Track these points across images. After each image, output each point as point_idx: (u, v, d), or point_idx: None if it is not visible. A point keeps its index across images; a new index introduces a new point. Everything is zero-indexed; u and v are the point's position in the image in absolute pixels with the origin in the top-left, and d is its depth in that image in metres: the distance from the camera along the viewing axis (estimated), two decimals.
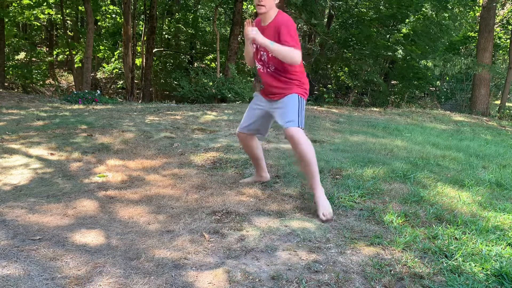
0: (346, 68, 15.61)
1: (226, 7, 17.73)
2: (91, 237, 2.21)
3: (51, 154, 3.93)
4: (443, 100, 16.29)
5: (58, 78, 21.02)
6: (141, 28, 18.64)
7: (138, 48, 17.98)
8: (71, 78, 19.80)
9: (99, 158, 3.82)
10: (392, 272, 1.91)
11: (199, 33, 19.61)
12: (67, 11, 18.27)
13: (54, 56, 20.28)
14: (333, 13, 15.84)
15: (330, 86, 15.97)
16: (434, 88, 17.87)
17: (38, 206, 2.65)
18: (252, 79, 13.54)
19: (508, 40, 15.98)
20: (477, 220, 2.51)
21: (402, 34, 14.16)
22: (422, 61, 14.76)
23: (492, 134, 6.99)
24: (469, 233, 2.32)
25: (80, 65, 17.44)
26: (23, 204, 2.68)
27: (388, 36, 14.30)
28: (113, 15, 18.99)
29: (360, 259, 2.03)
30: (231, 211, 2.60)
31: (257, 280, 1.83)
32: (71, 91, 14.27)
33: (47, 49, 22.17)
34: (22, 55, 21.35)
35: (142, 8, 18.44)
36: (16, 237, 2.17)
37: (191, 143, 4.50)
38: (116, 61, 18.74)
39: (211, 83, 11.65)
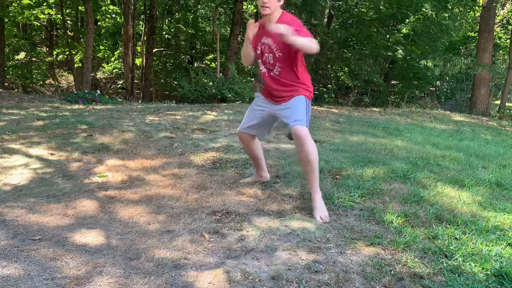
0: (346, 68, 15.61)
1: (226, 7, 17.73)
2: (91, 237, 2.21)
3: (51, 154, 3.93)
4: (443, 100, 16.28)
5: (58, 78, 21.02)
6: (141, 28, 18.64)
7: (138, 48, 17.98)
8: (71, 78, 19.80)
9: (99, 158, 3.82)
10: (392, 272, 1.91)
11: (199, 33, 19.61)
12: (67, 11, 18.27)
13: (54, 56, 20.28)
14: (333, 13, 15.83)
15: (330, 86, 15.97)
16: (434, 88, 17.87)
17: (38, 206, 2.65)
18: (252, 79, 13.54)
19: (508, 40, 15.98)
20: (477, 220, 2.51)
21: (402, 34, 14.16)
22: (422, 61, 14.75)
23: (492, 134, 6.99)
24: (469, 233, 2.32)
25: (80, 65, 17.44)
26: (23, 204, 2.68)
27: (388, 36, 14.29)
28: (113, 15, 18.99)
29: (360, 259, 2.03)
30: (231, 211, 2.60)
31: (257, 280, 1.83)
32: (71, 91, 14.27)
33: (47, 49, 22.17)
34: (22, 55, 21.35)
35: (142, 8, 18.44)
36: (16, 237, 2.17)
37: (191, 143, 4.50)
38: (116, 61, 18.74)
39: (211, 83, 11.65)
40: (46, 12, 18.13)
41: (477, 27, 15.10)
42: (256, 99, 2.95)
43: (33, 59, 20.72)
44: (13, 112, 6.48)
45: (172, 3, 19.16)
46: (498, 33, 17.19)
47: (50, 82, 19.96)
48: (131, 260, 1.98)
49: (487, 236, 2.29)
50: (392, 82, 16.94)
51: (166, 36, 20.34)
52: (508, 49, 14.29)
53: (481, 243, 2.19)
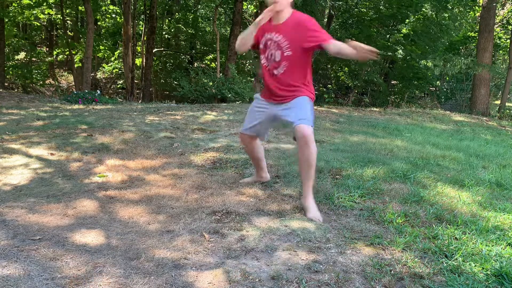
0: (346, 68, 15.60)
1: (226, 7, 17.73)
2: (91, 237, 2.21)
3: (51, 154, 3.93)
4: (443, 100, 16.29)
5: (58, 78, 21.03)
6: (141, 28, 18.64)
7: (138, 48, 17.98)
8: (71, 78, 19.80)
9: (99, 158, 3.82)
10: (392, 272, 1.91)
11: (199, 33, 19.61)
12: (67, 11, 18.27)
13: (54, 56, 20.28)
14: (333, 13, 15.82)
15: (330, 86, 15.97)
16: (434, 88, 17.86)
17: (38, 206, 2.65)
18: (252, 79, 13.54)
19: (508, 40, 15.98)
20: (477, 220, 2.51)
21: (402, 34, 14.16)
22: (422, 61, 14.75)
23: (492, 134, 6.99)
24: (469, 233, 2.32)
25: (80, 65, 17.44)
26: (23, 204, 2.68)
27: (388, 36, 14.29)
28: (113, 15, 18.99)
29: (360, 259, 2.03)
30: (231, 211, 2.60)
31: (257, 280, 1.83)
32: (71, 91, 14.27)
33: (47, 49, 22.18)
34: (22, 55, 21.35)
35: (142, 8, 18.44)
36: (16, 237, 2.17)
37: (191, 143, 4.50)
38: (116, 61, 18.74)
39: (211, 83, 11.65)
40: (46, 12, 18.14)
41: (477, 27, 15.10)
42: (256, 101, 2.90)
43: (33, 59, 20.72)
44: (13, 112, 6.48)
45: (172, 3, 19.16)
46: (498, 33, 17.19)
47: (50, 82, 19.96)
48: (131, 260, 1.98)
49: (487, 236, 2.29)
50: (392, 82, 16.93)
51: (166, 36, 20.35)
52: (508, 49, 14.29)
53: (481, 243, 2.19)
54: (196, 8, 19.59)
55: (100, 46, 18.59)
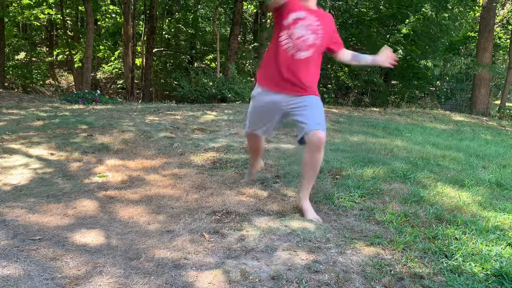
0: (346, 68, 15.59)
1: (226, 7, 17.74)
2: (91, 237, 2.21)
3: (51, 154, 3.93)
4: (443, 100, 16.28)
5: (58, 78, 21.03)
6: (141, 28, 18.65)
7: (138, 48, 17.99)
8: (71, 78, 19.80)
9: (99, 158, 3.82)
10: (392, 272, 1.91)
11: (199, 33, 19.62)
12: (67, 11, 18.27)
13: (54, 56, 20.29)
14: (333, 13, 15.83)
15: (330, 86, 15.97)
16: (434, 88, 17.86)
17: (38, 206, 2.65)
18: (252, 79, 13.53)
19: (508, 40, 15.98)
20: (477, 220, 2.51)
21: (402, 34, 14.16)
22: (422, 61, 14.74)
23: (492, 134, 6.99)
24: (469, 233, 2.32)
25: (80, 65, 17.45)
26: (23, 204, 2.68)
27: (388, 36, 14.29)
28: (113, 15, 18.99)
29: (360, 259, 2.03)
30: (231, 211, 2.60)
31: (257, 280, 1.83)
32: (71, 91, 14.27)
33: (47, 49, 22.18)
34: (22, 55, 21.35)
35: (142, 8, 18.45)
36: (16, 237, 2.17)
37: (191, 143, 4.50)
38: (116, 61, 18.75)
39: (211, 83, 11.65)
40: (46, 12, 18.14)
41: (477, 27, 15.10)
42: (258, 98, 2.57)
43: (33, 59, 20.73)
44: (13, 112, 6.48)
45: (172, 3, 19.16)
46: (498, 33, 17.19)
47: (50, 82, 19.96)
48: (131, 260, 1.98)
49: (487, 236, 2.29)
50: (392, 82, 16.93)
51: (166, 36, 20.35)
52: (508, 49, 14.29)
53: (481, 243, 2.19)
54: (196, 8, 19.59)
55: (100, 46, 18.60)
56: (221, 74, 13.40)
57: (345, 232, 2.33)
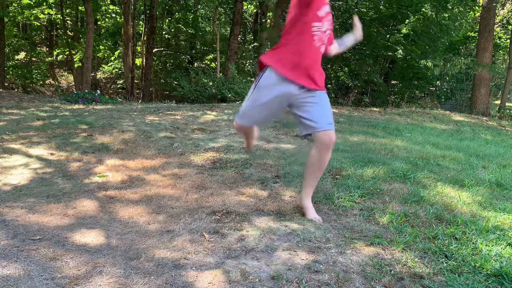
0: (346, 68, 15.60)
1: (226, 7, 17.74)
2: (91, 237, 2.21)
3: (51, 154, 3.93)
4: (443, 100, 16.29)
5: (58, 78, 21.03)
6: (141, 28, 18.65)
7: (138, 48, 17.99)
8: (71, 78, 19.81)
9: (99, 158, 3.82)
10: (392, 272, 1.91)
11: (199, 33, 19.62)
12: (67, 11, 18.28)
13: (54, 56, 20.29)
14: (333, 13, 15.82)
15: (330, 86, 15.97)
16: (434, 88, 17.87)
17: (38, 206, 2.65)
18: (253, 79, 13.52)
19: (508, 40, 15.98)
20: (477, 220, 2.51)
21: (402, 34, 14.16)
22: (422, 61, 14.74)
23: (492, 134, 6.99)
24: (469, 233, 2.32)
25: (80, 65, 17.45)
26: (23, 204, 2.68)
27: (388, 36, 14.29)
28: (113, 15, 19.00)
29: (360, 259, 2.03)
30: (231, 211, 2.60)
31: (257, 280, 1.83)
32: (71, 91, 14.28)
33: (47, 49, 22.19)
34: (22, 55, 21.36)
35: (142, 8, 18.46)
36: (16, 237, 2.17)
37: (191, 143, 4.50)
38: (116, 61, 18.75)
39: (211, 83, 11.65)
40: (46, 12, 18.15)
41: (477, 27, 15.11)
42: (268, 89, 2.30)
43: (33, 59, 20.73)
44: (13, 112, 6.48)
45: (172, 3, 19.17)
46: (498, 33, 17.19)
47: (50, 82, 19.97)
48: (131, 260, 1.98)
49: (487, 236, 2.29)
50: (392, 82, 16.93)
51: (166, 36, 20.35)
52: (508, 49, 14.29)
53: (481, 243, 2.19)
54: (196, 8, 19.59)
55: (100, 46, 18.60)
56: (221, 74, 13.41)
57: (345, 232, 2.33)
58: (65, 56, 19.91)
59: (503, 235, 2.32)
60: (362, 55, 13.81)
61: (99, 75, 21.17)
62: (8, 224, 2.35)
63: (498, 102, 14.64)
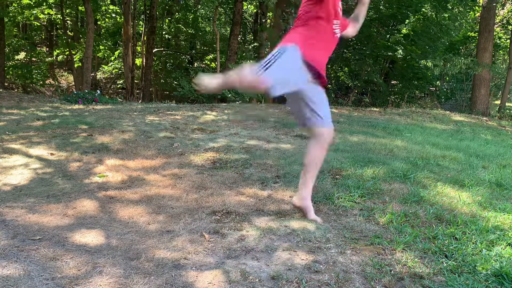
0: (346, 68, 15.59)
1: (226, 7, 17.74)
2: (91, 237, 2.21)
3: (51, 154, 3.93)
4: (443, 100, 16.29)
5: (58, 78, 21.03)
6: (141, 28, 18.65)
7: (138, 48, 17.99)
8: (71, 78, 19.81)
9: (99, 158, 3.81)
10: (392, 272, 1.91)
11: (199, 33, 19.60)
12: (67, 11, 18.28)
13: (54, 56, 20.29)
14: None
15: (330, 86, 15.96)
16: (434, 88, 17.86)
17: (38, 206, 2.65)
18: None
19: (508, 40, 15.98)
20: (477, 220, 2.51)
21: (402, 34, 14.16)
22: (422, 61, 14.74)
23: (492, 134, 6.99)
24: (469, 233, 2.32)
25: (80, 65, 17.45)
26: (23, 204, 2.68)
27: (388, 36, 14.29)
28: (113, 15, 19.00)
29: (360, 259, 2.03)
30: (231, 211, 2.60)
31: (257, 280, 1.83)
32: (71, 91, 14.28)
33: (47, 49, 22.18)
34: (22, 55, 21.35)
35: (142, 8, 18.45)
36: (16, 237, 2.17)
37: (191, 143, 4.50)
38: (116, 61, 18.75)
39: None
40: (46, 12, 18.14)
41: (477, 27, 15.11)
42: (297, 54, 2.21)
43: (33, 59, 20.72)
44: (13, 112, 6.48)
45: (172, 3, 19.17)
46: (498, 33, 17.19)
47: (50, 82, 19.96)
48: (131, 260, 1.98)
49: (487, 236, 2.29)
50: (392, 82, 16.93)
51: (166, 36, 20.34)
52: (508, 49, 14.29)
53: (481, 243, 2.19)
54: (196, 8, 19.59)
55: (100, 46, 18.60)
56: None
57: (345, 232, 2.33)
58: (65, 56, 19.90)
59: (503, 235, 2.31)
60: (362, 55, 13.80)
61: (99, 75, 21.16)
62: (8, 224, 2.35)
63: (498, 102, 14.64)
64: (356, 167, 3.50)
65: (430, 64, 15.07)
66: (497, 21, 16.08)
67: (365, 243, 2.20)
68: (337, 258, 2.03)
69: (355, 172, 3.37)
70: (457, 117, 9.13)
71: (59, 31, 21.86)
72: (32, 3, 16.21)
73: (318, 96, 2.33)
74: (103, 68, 20.47)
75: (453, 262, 1.99)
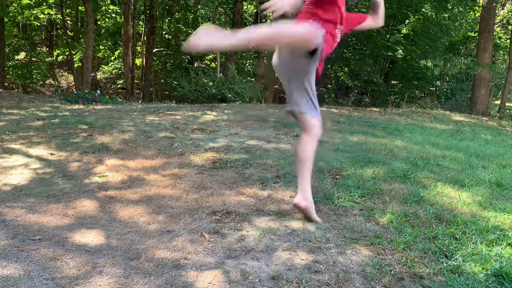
0: (346, 68, 15.60)
1: (226, 7, 17.75)
2: (91, 237, 2.21)
3: (51, 154, 3.93)
4: (443, 100, 16.30)
5: (58, 78, 21.03)
6: (141, 28, 18.65)
7: (138, 48, 17.99)
8: (71, 78, 19.81)
9: (99, 158, 3.81)
10: (392, 272, 1.91)
11: None
12: (67, 11, 18.28)
13: (54, 56, 20.29)
14: None
15: (330, 86, 15.97)
16: (434, 88, 17.87)
17: (38, 206, 2.65)
18: (253, 79, 13.53)
19: (508, 40, 15.98)
20: (477, 220, 2.51)
21: (402, 34, 14.16)
22: (422, 61, 14.75)
23: (492, 134, 6.99)
24: (469, 233, 2.32)
25: (80, 65, 17.45)
26: (23, 204, 2.68)
27: (388, 36, 14.29)
28: (113, 15, 19.00)
29: (360, 259, 2.03)
30: (231, 211, 2.60)
31: (257, 280, 1.83)
32: (71, 91, 14.28)
33: (47, 49, 22.18)
34: (22, 55, 21.35)
35: (142, 8, 18.46)
36: (16, 237, 2.17)
37: (191, 143, 4.50)
38: (116, 61, 18.75)
39: (211, 83, 11.64)
40: (46, 12, 18.14)
41: (477, 27, 15.11)
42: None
43: (33, 59, 20.73)
44: (13, 112, 6.48)
45: (172, 3, 19.17)
46: (498, 33, 17.20)
47: (50, 82, 19.96)
48: (131, 260, 1.98)
49: (487, 236, 2.29)
50: (392, 82, 16.93)
51: (166, 36, 20.34)
52: (508, 49, 14.30)
53: (481, 243, 2.19)
54: (196, 8, 19.59)
55: (100, 46, 18.61)
56: (221, 74, 13.40)
57: (345, 232, 2.33)
58: (65, 56, 19.91)
59: (503, 235, 2.32)
60: (362, 55, 13.81)
61: (99, 75, 21.17)
62: (8, 224, 2.35)
63: (498, 102, 14.65)
64: (356, 167, 3.50)
65: (430, 64, 15.08)
66: (497, 21, 16.09)
67: (365, 243, 2.20)
68: (337, 258, 2.03)
69: (355, 172, 3.37)
70: (457, 117, 9.13)
71: (59, 31, 21.86)
72: (32, 3, 16.21)
73: (315, 88, 2.41)
74: (103, 68, 20.47)
75: (453, 262, 2.00)
